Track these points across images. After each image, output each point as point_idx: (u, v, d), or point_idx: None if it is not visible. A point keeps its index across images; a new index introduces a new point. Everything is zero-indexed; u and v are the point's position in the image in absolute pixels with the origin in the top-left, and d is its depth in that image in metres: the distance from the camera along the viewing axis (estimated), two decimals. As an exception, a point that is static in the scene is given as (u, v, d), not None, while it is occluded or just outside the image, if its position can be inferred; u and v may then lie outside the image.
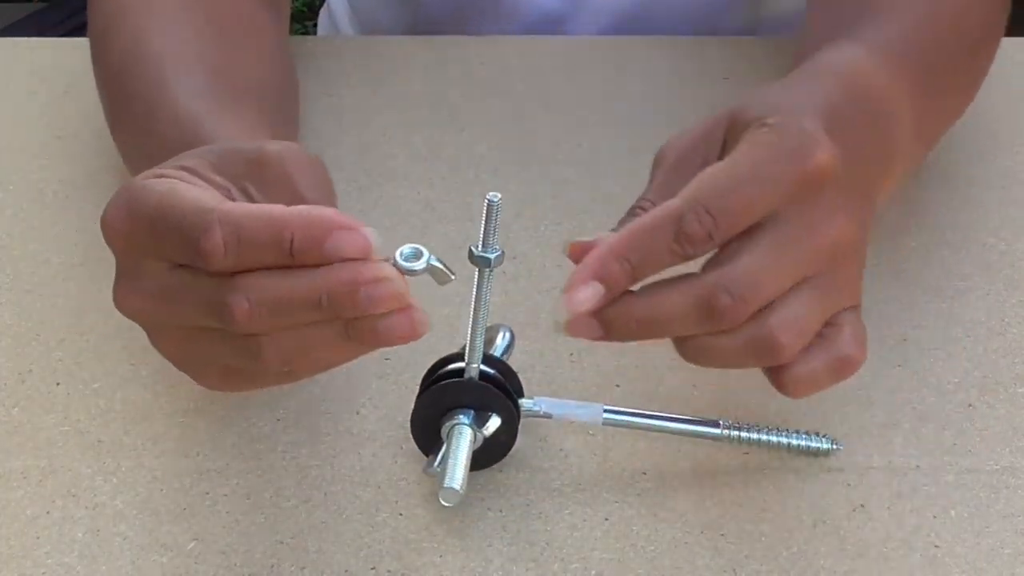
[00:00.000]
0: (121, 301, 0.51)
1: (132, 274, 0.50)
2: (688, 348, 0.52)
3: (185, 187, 0.50)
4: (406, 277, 0.48)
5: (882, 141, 0.58)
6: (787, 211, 0.50)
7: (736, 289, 0.49)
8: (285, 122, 0.70)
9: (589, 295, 0.50)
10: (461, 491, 0.54)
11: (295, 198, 0.51)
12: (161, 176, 0.51)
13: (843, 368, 0.53)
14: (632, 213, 0.53)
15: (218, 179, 0.52)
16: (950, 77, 0.68)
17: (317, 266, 0.47)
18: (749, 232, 0.50)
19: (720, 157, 0.53)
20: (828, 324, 0.53)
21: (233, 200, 0.51)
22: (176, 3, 0.70)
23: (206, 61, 0.67)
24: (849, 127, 0.54)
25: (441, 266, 0.50)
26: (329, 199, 0.53)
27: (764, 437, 0.60)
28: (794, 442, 0.60)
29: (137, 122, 0.65)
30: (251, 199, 0.52)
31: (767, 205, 0.50)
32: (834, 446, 0.60)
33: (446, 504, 0.54)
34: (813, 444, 0.60)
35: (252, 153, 0.52)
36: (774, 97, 0.54)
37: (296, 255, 0.47)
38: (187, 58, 0.67)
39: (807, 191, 0.50)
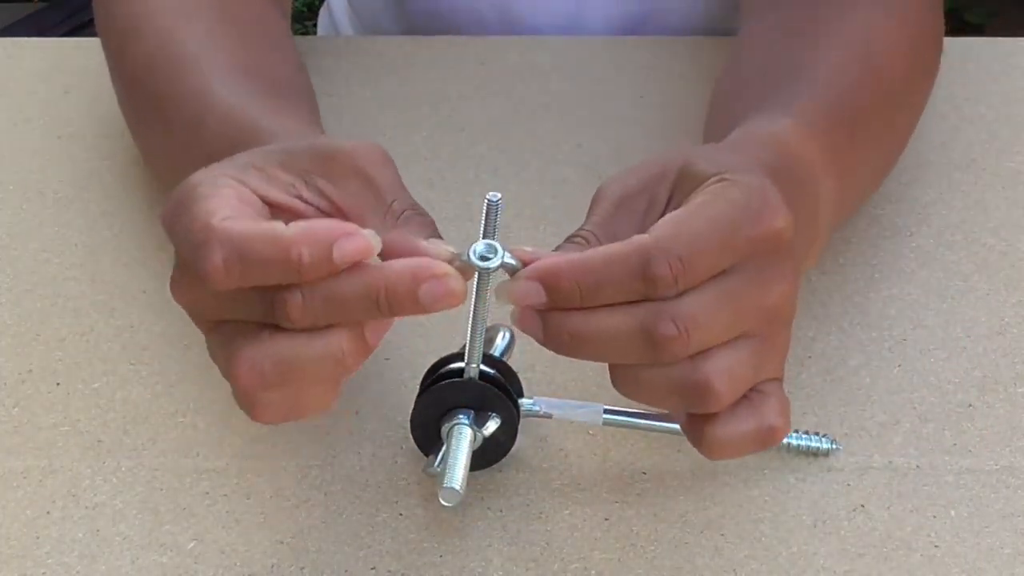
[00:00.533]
0: (175, 292, 0.51)
1: (186, 267, 0.50)
2: (620, 376, 0.51)
3: (212, 194, 0.49)
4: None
5: (810, 214, 0.58)
6: (742, 265, 0.50)
7: (682, 321, 0.48)
8: (319, 119, 0.70)
9: (532, 291, 0.49)
10: (461, 491, 0.54)
11: (369, 191, 0.52)
12: (220, 175, 0.51)
13: (768, 438, 0.52)
14: (572, 240, 0.52)
15: (285, 176, 0.52)
16: (876, 138, 0.67)
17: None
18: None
19: (667, 206, 0.53)
20: (755, 390, 0.52)
21: (302, 197, 0.52)
22: (197, 3, 0.71)
23: (238, 61, 0.67)
24: (786, 197, 0.53)
25: (515, 263, 0.50)
26: (401, 192, 0.53)
27: (764, 437, 0.59)
28: (794, 442, 0.60)
29: (173, 122, 0.65)
30: (322, 194, 0.52)
31: (730, 259, 0.50)
32: (834, 446, 0.60)
33: (446, 504, 0.54)
34: (813, 444, 0.60)
35: (325, 149, 0.52)
36: (723, 158, 0.53)
37: (307, 272, 0.47)
38: (220, 59, 0.67)
39: (764, 251, 0.50)
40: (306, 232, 0.47)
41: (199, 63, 0.66)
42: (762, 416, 0.51)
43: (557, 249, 0.52)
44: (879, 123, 0.67)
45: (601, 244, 0.51)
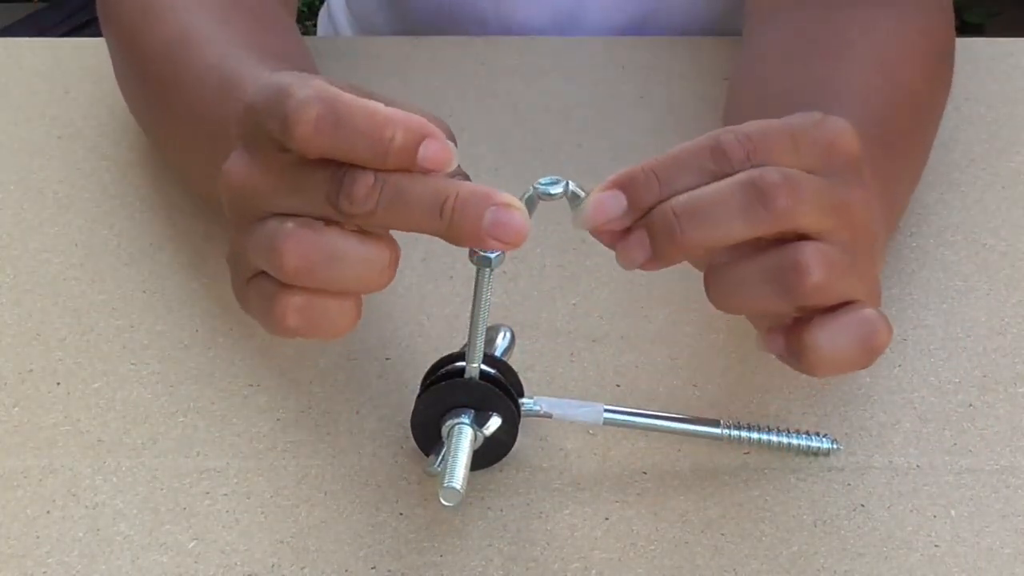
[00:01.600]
0: (229, 177, 0.50)
1: (256, 144, 0.49)
2: (715, 276, 0.50)
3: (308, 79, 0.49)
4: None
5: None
6: (823, 171, 0.50)
7: (787, 174, 0.48)
8: None
9: (605, 201, 0.49)
10: (462, 491, 0.54)
11: None
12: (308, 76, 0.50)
13: (873, 342, 0.50)
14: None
15: None
16: (906, 153, 0.68)
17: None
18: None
19: None
20: (850, 304, 0.51)
21: None
22: None
23: (255, 41, 0.67)
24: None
25: (582, 192, 0.50)
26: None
27: (764, 437, 0.60)
28: (794, 442, 0.60)
29: (193, 99, 0.65)
30: None
31: (803, 158, 0.50)
32: (834, 446, 0.60)
33: (447, 504, 0.54)
34: (813, 444, 0.60)
35: (385, 98, 0.51)
36: None
37: (392, 155, 0.46)
38: (237, 39, 0.67)
39: (841, 164, 0.50)
40: (403, 117, 0.47)
41: (216, 42, 0.66)
42: (864, 319, 0.50)
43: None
44: (908, 137, 0.68)
45: None
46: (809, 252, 0.49)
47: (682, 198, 0.49)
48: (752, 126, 0.50)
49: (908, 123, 0.67)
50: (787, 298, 0.50)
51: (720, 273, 0.51)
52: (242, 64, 0.63)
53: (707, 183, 0.49)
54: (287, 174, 0.49)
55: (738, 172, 0.49)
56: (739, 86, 0.72)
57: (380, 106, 0.47)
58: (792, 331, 0.51)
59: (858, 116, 0.63)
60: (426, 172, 0.48)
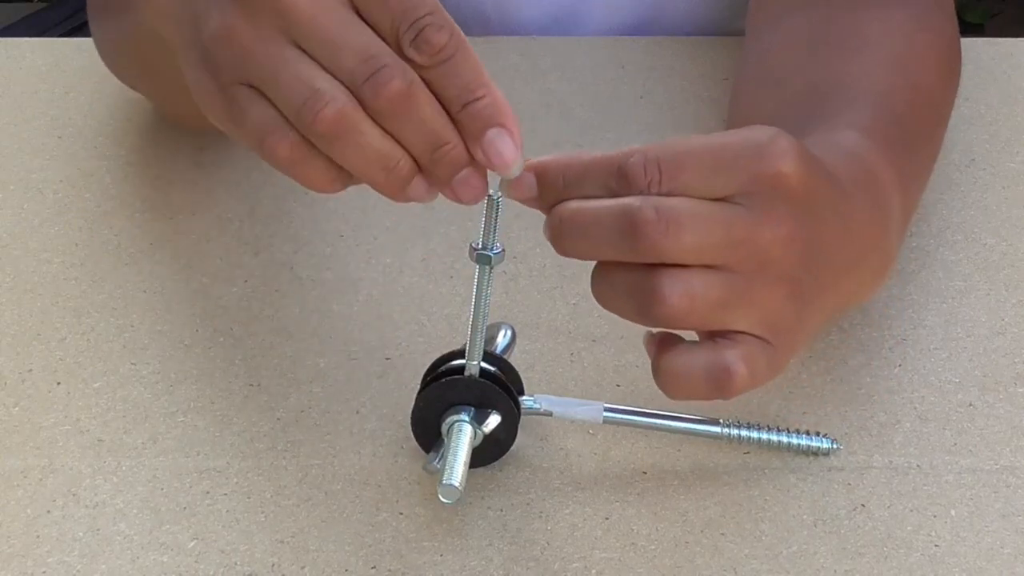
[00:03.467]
0: (240, 31, 0.50)
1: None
2: (596, 277, 0.52)
3: None
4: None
5: (884, 231, 0.58)
6: (741, 198, 0.50)
7: (663, 212, 0.49)
8: None
9: (523, 183, 0.51)
10: (460, 488, 0.54)
11: None
12: None
13: (721, 379, 0.51)
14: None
15: None
16: (922, 152, 0.67)
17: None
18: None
19: None
20: (724, 335, 0.51)
21: None
22: None
23: None
24: (863, 213, 0.54)
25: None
26: None
27: (764, 437, 0.60)
28: (794, 442, 0.60)
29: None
30: None
31: (726, 186, 0.50)
32: (834, 446, 0.60)
33: (445, 501, 0.54)
34: (813, 444, 0.60)
35: None
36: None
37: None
38: None
39: (766, 190, 0.50)
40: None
41: None
42: (719, 354, 0.51)
43: None
44: (924, 138, 0.68)
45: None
46: (668, 278, 0.50)
47: (571, 206, 0.51)
48: (667, 149, 0.50)
49: (925, 123, 0.67)
50: (644, 319, 0.51)
51: (597, 272, 0.52)
52: None
53: (603, 196, 0.51)
54: (344, 14, 0.49)
55: (629, 193, 0.50)
56: (750, 85, 0.72)
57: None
58: (658, 345, 0.53)
59: (878, 116, 0.63)
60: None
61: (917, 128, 0.66)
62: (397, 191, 0.51)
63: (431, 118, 0.49)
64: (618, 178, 0.50)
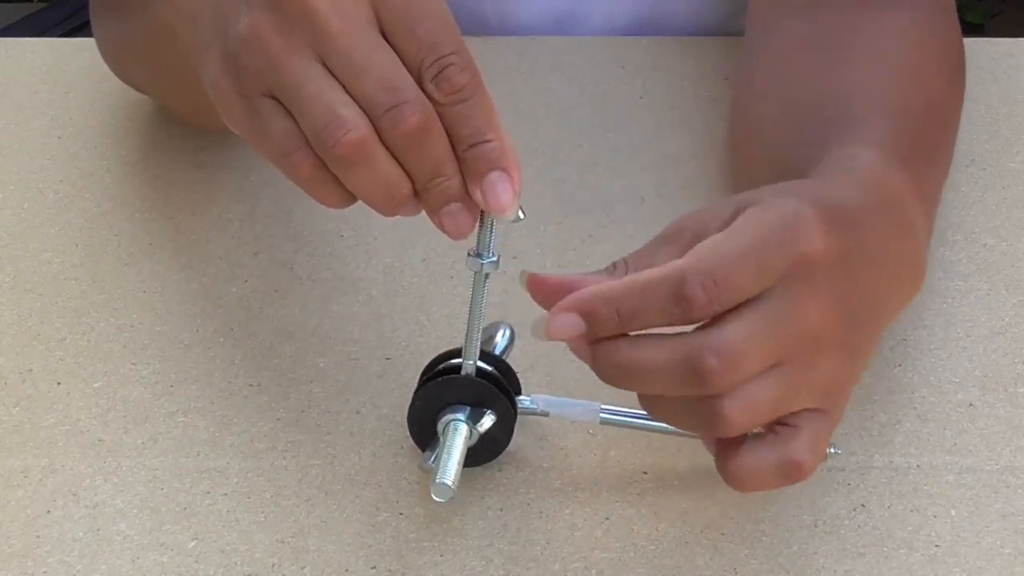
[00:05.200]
0: (265, 40, 0.50)
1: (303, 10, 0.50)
2: (648, 399, 0.52)
3: None
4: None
5: (908, 248, 0.58)
6: (775, 290, 0.50)
7: (724, 353, 0.48)
8: None
9: (570, 324, 0.50)
10: (453, 487, 0.54)
11: None
12: None
13: (791, 471, 0.51)
14: (615, 266, 0.53)
15: None
16: (937, 160, 0.67)
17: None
18: (739, 305, 0.50)
19: None
20: (786, 423, 0.51)
21: None
22: None
23: None
24: (880, 233, 0.54)
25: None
26: None
27: (764, 437, 0.59)
28: (794, 442, 0.60)
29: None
30: None
31: (764, 282, 0.50)
32: (833, 449, 0.60)
33: (438, 499, 0.54)
34: (813, 444, 0.60)
35: None
36: (785, 185, 0.54)
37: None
38: None
39: (797, 275, 0.50)
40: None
41: None
42: (785, 449, 0.51)
43: (604, 270, 0.53)
44: (938, 145, 0.67)
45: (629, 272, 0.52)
46: (726, 403, 0.49)
47: (624, 353, 0.50)
48: (716, 261, 0.49)
49: (938, 132, 0.67)
50: (709, 433, 0.52)
51: (650, 397, 0.52)
52: None
53: (667, 324, 0.50)
54: (371, 37, 0.50)
55: (697, 319, 0.49)
56: (757, 87, 0.72)
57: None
58: (719, 445, 0.52)
59: (894, 130, 0.62)
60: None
61: (932, 138, 0.66)
62: (392, 211, 0.52)
63: (438, 151, 0.50)
64: (679, 305, 0.49)
